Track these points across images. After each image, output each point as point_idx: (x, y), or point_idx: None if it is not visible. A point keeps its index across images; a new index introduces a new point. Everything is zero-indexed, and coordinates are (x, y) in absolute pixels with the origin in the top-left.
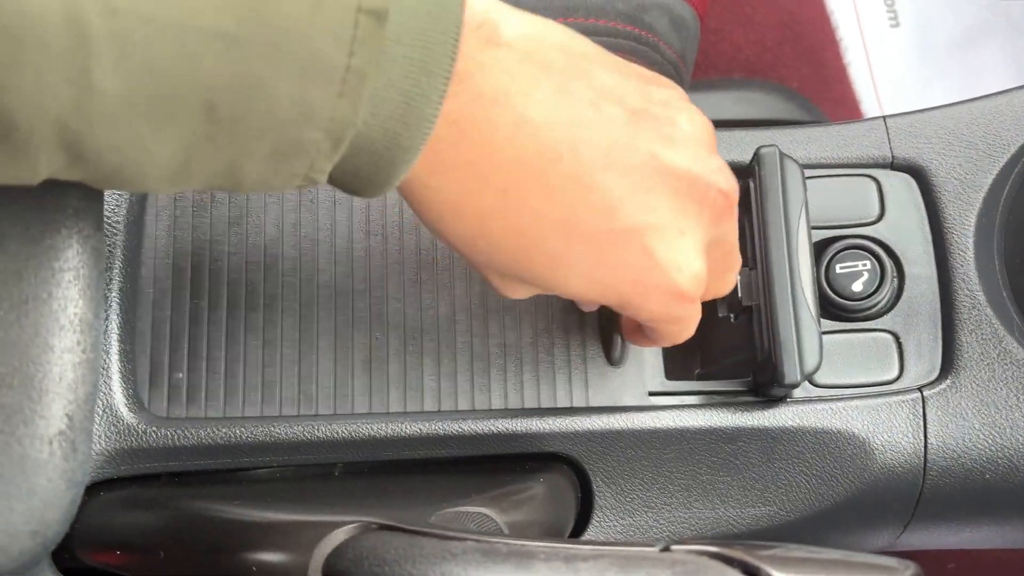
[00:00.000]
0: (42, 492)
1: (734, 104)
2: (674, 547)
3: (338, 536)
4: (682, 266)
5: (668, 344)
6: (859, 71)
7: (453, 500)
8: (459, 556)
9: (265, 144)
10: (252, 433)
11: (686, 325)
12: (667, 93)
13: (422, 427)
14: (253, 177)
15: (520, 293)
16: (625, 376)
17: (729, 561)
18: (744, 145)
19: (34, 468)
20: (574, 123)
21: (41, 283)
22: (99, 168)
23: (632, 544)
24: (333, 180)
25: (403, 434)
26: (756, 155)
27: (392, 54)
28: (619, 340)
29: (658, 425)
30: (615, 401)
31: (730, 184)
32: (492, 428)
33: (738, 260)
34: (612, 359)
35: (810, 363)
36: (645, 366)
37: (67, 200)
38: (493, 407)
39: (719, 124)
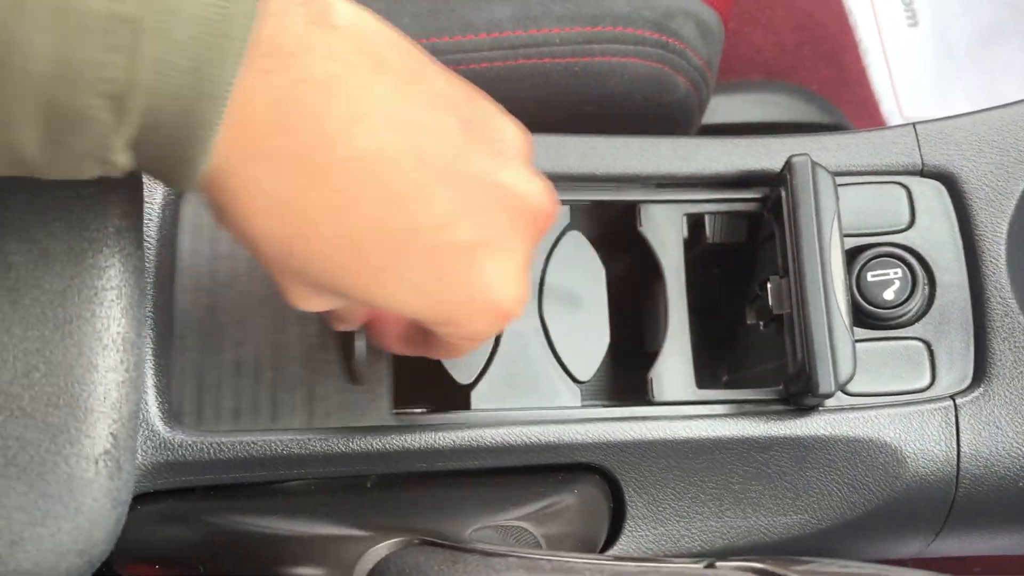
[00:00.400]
0: (88, 511)
1: (754, 107)
2: (719, 564)
3: (380, 551)
4: (509, 286)
5: (450, 358)
6: (878, 72)
7: (489, 513)
8: (503, 573)
9: (30, 112)
10: (288, 446)
11: (484, 341)
12: (489, 105)
13: (456, 438)
14: (34, 155)
15: (318, 305)
16: (369, 394)
17: None
18: (774, 153)
19: (80, 487)
20: (416, 127)
21: (84, 303)
22: None
23: (676, 561)
24: (141, 166)
25: (437, 445)
26: (788, 164)
27: (179, 12)
28: (362, 356)
29: (690, 435)
30: (355, 421)
31: (552, 207)
32: (524, 439)
33: None
34: (355, 377)
35: (844, 372)
36: (384, 383)
37: (108, 220)
38: (528, 419)
39: (741, 128)
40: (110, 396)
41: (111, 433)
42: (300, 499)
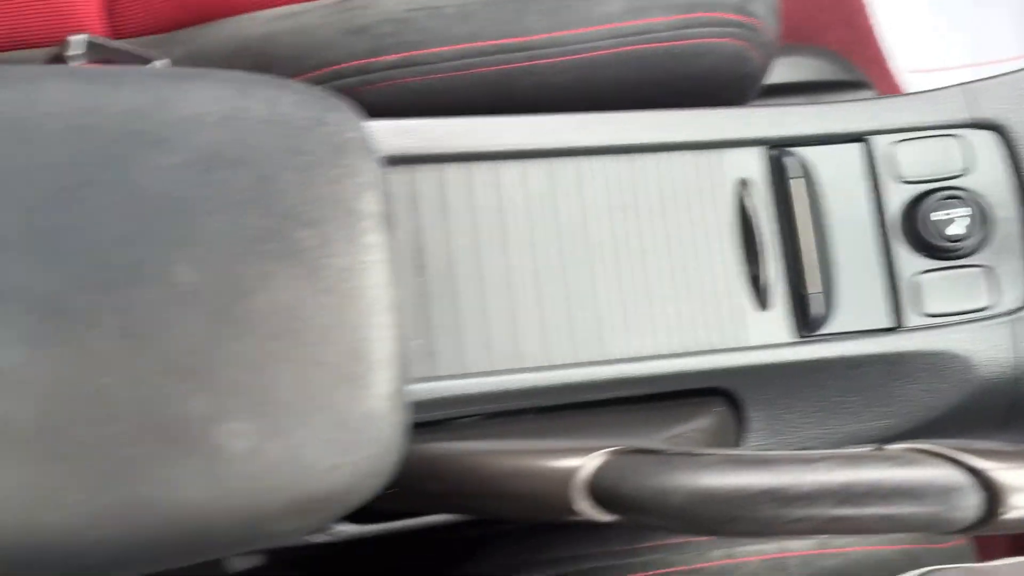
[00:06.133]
0: (384, 440)
1: (787, 69)
2: (886, 447)
3: (595, 459)
4: None
5: None
6: (885, 29)
7: (643, 431)
8: (713, 466)
9: None
10: (478, 386)
11: None
12: None
13: (612, 371)
14: None
15: None
16: (774, 318)
17: (935, 455)
18: (853, 115)
19: (377, 422)
20: None
21: (362, 275)
22: None
23: (849, 447)
24: None
25: (599, 378)
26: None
27: None
28: (767, 284)
29: (801, 357)
30: (771, 340)
31: None
32: (668, 368)
33: None
34: (762, 302)
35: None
36: (792, 309)
37: (370, 206)
38: (674, 351)
39: (777, 90)
40: (390, 350)
41: (394, 379)
42: (474, 431)
